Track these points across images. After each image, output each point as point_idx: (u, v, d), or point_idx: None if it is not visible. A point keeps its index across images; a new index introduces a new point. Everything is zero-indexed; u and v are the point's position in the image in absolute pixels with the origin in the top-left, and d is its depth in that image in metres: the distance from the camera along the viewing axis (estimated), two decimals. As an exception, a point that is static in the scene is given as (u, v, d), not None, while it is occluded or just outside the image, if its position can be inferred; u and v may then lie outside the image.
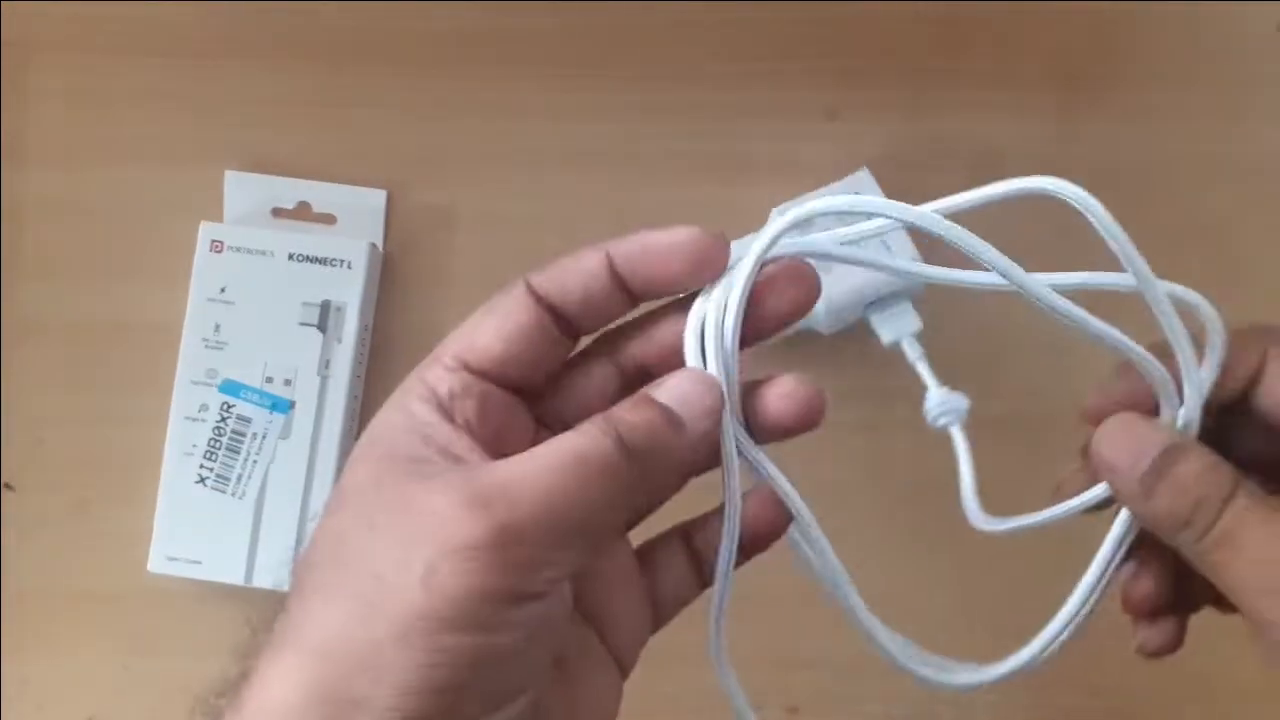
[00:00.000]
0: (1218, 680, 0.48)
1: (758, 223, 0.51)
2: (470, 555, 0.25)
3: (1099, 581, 0.33)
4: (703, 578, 0.33)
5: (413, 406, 0.29)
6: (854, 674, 0.48)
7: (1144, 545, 0.33)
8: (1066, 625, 0.33)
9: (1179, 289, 0.32)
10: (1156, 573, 0.33)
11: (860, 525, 0.47)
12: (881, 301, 0.44)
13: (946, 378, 0.40)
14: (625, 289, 0.30)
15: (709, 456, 0.30)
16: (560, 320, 0.30)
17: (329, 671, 0.25)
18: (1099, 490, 0.33)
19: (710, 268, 0.30)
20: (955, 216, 0.31)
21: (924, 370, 0.41)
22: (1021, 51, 0.53)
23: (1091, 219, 0.31)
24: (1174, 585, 0.33)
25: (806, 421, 0.30)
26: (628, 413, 0.28)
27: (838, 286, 0.42)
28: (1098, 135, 0.52)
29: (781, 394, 0.30)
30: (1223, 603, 0.31)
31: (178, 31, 0.51)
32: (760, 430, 0.31)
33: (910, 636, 0.33)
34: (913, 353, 0.43)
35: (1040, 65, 0.53)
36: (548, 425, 0.31)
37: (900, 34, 0.53)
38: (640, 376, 0.31)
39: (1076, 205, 0.32)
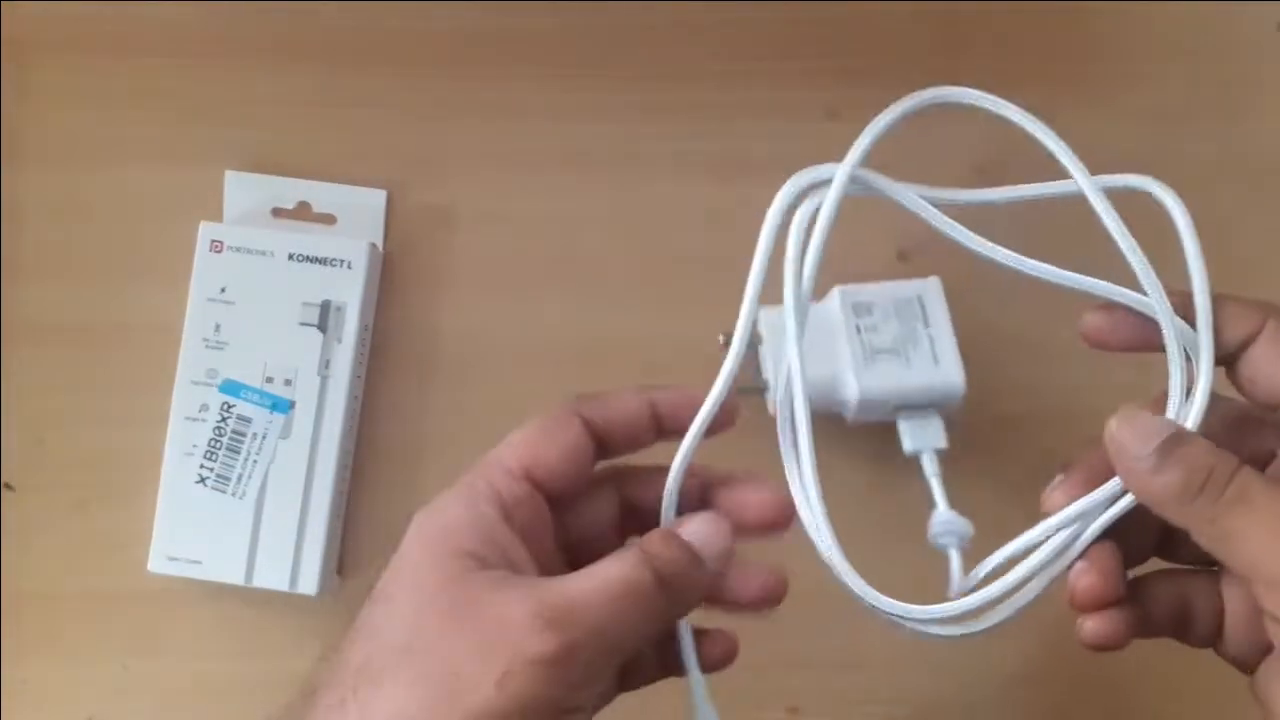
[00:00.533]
0: (1218, 680, 0.48)
1: (758, 222, 0.51)
2: (541, 667, 0.28)
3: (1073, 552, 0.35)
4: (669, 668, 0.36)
5: (481, 508, 0.32)
6: (854, 674, 0.48)
7: (1095, 544, 0.35)
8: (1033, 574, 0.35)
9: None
10: (1103, 569, 0.35)
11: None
12: (913, 409, 0.43)
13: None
14: (659, 428, 0.35)
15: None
16: (598, 445, 0.35)
17: None
18: (1085, 502, 0.35)
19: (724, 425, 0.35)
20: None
21: (936, 488, 0.41)
22: (1021, 51, 0.53)
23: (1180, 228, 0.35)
24: (1119, 583, 0.35)
25: (778, 527, 0.35)
26: (661, 548, 0.32)
27: (876, 381, 0.42)
28: (1097, 135, 0.52)
29: (759, 499, 0.35)
30: (1182, 625, 0.35)
31: (178, 32, 0.52)
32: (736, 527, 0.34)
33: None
34: (930, 468, 0.42)
35: (1039, 65, 0.53)
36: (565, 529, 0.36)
37: (900, 34, 0.53)
38: (633, 510, 0.36)
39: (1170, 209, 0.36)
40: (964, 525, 0.39)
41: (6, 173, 0.51)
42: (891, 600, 0.35)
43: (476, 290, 0.51)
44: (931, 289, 0.44)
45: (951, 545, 0.38)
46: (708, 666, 0.35)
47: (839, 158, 0.52)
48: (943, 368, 0.41)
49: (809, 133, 0.52)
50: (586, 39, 0.52)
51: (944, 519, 0.39)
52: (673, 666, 0.36)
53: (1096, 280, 0.36)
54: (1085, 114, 0.52)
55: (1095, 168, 0.51)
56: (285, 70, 0.52)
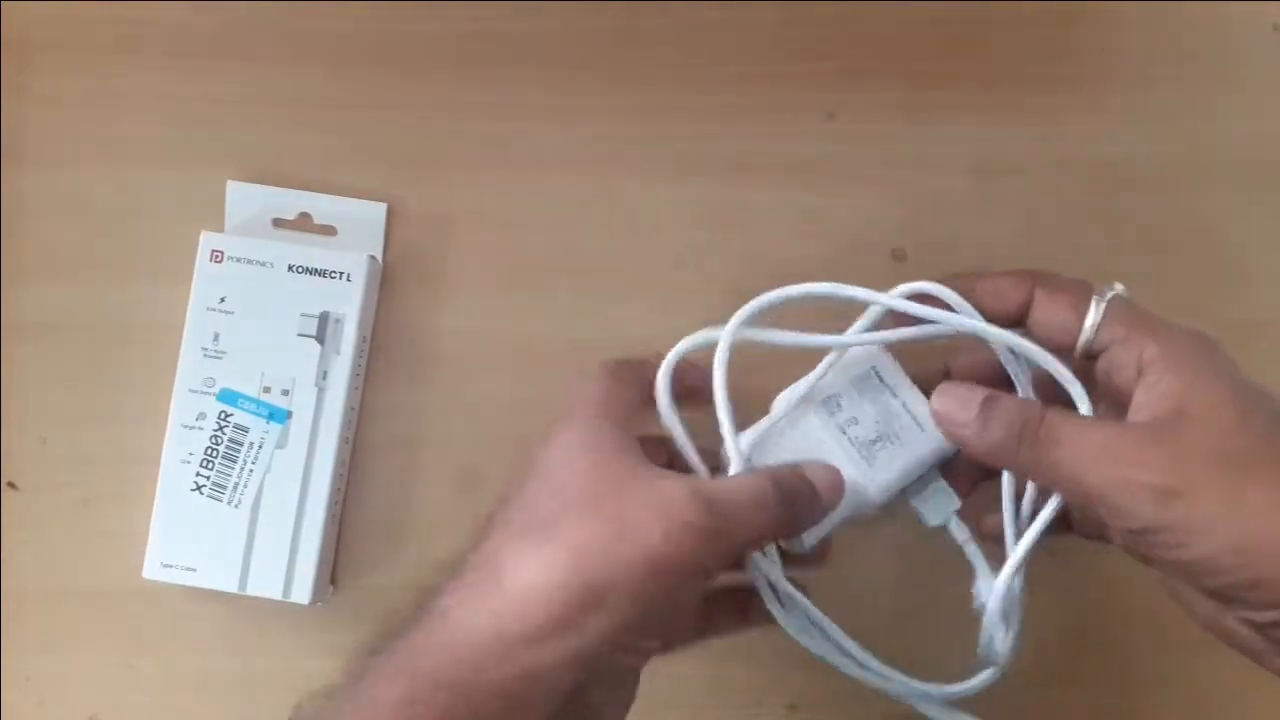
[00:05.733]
0: (1218, 679, 0.49)
1: (757, 223, 0.52)
2: (695, 535, 0.34)
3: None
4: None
5: (611, 429, 0.38)
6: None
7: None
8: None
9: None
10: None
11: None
12: (917, 484, 0.43)
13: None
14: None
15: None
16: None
17: (585, 571, 0.34)
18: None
19: None
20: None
21: (973, 554, 0.42)
22: (1020, 52, 0.53)
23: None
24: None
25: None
26: (789, 474, 0.39)
27: (886, 477, 0.41)
28: (1096, 136, 0.52)
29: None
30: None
31: (178, 32, 0.51)
32: None
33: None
34: (960, 535, 0.42)
35: (1038, 66, 0.53)
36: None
37: (898, 35, 0.52)
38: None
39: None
40: (1015, 593, 0.40)
41: (6, 173, 0.51)
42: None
43: (475, 294, 0.51)
44: (881, 358, 0.42)
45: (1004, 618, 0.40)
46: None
47: (839, 157, 0.52)
48: (929, 431, 0.41)
49: (807, 134, 0.52)
50: (586, 40, 0.52)
51: (999, 591, 0.40)
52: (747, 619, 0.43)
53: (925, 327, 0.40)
54: (1084, 114, 0.52)
55: (1095, 167, 0.52)
56: (285, 70, 0.51)
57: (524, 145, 0.52)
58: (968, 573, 0.42)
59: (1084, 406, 0.39)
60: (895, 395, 0.41)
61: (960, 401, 0.39)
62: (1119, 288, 0.40)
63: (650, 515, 0.34)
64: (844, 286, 0.41)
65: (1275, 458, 0.35)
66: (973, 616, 0.41)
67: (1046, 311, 0.40)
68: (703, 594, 0.42)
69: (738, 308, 0.41)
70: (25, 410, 0.50)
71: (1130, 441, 0.36)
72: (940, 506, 0.42)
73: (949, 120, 0.52)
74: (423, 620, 0.35)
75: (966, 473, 0.43)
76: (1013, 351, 0.40)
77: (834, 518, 0.40)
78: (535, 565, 0.34)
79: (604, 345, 0.50)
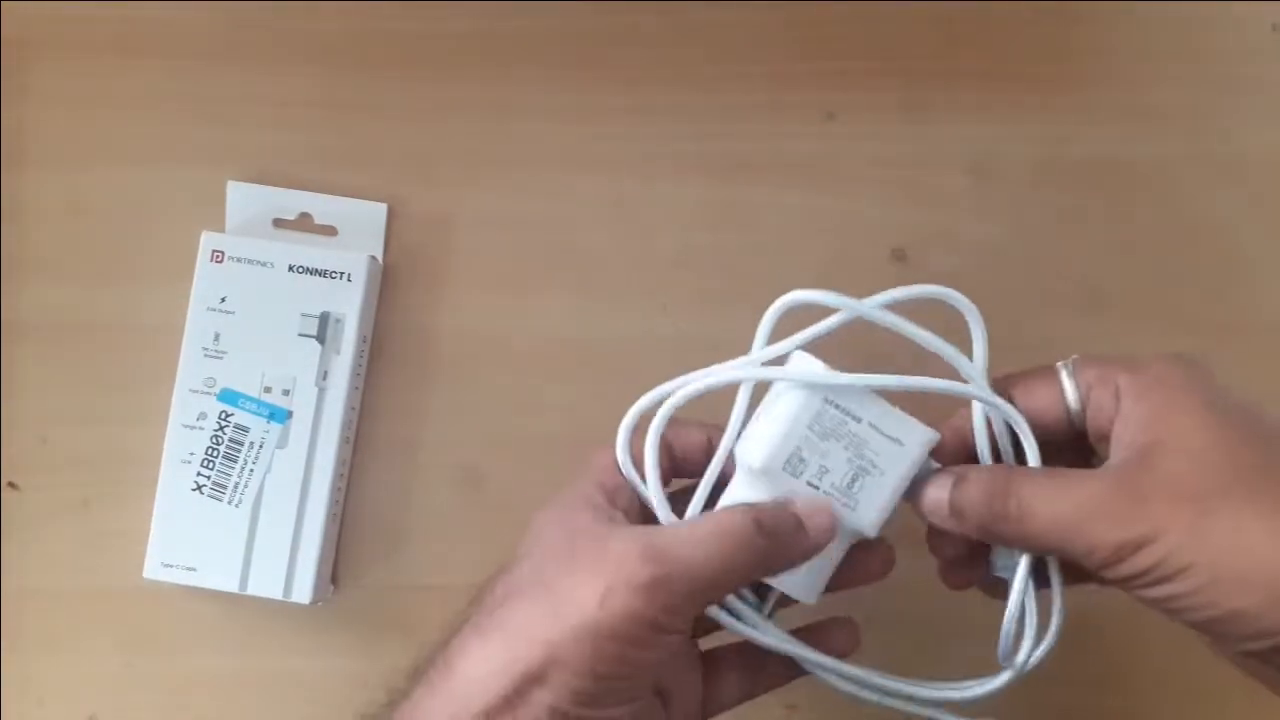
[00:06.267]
0: (1219, 679, 0.49)
1: (757, 223, 0.52)
2: (637, 590, 0.34)
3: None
4: (750, 689, 0.42)
5: (589, 490, 0.39)
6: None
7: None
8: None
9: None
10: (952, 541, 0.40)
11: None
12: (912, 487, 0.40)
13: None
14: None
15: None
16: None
17: (524, 652, 0.34)
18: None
19: None
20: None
21: None
22: (1019, 52, 0.53)
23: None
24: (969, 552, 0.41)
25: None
26: (770, 508, 0.37)
27: (874, 513, 0.38)
28: (1096, 136, 0.52)
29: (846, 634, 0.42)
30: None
31: (178, 32, 0.51)
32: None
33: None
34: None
35: (1037, 66, 0.53)
36: None
37: (897, 35, 0.52)
38: None
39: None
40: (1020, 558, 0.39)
41: (6, 173, 0.51)
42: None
43: (476, 293, 0.51)
44: (829, 381, 0.37)
45: (1010, 574, 0.39)
46: (869, 576, 0.41)
47: (839, 157, 0.52)
48: (906, 439, 0.38)
49: (806, 134, 0.52)
50: (586, 40, 0.52)
51: (1005, 554, 0.39)
52: (755, 687, 0.42)
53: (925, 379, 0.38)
54: (1084, 114, 0.52)
55: (1094, 167, 0.52)
56: (285, 71, 0.51)
57: (524, 145, 0.52)
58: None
59: (1031, 455, 0.38)
60: (858, 419, 0.38)
61: (933, 494, 0.38)
62: (1075, 357, 0.39)
63: (590, 579, 0.34)
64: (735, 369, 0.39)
65: (1248, 481, 0.34)
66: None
67: (1025, 398, 0.39)
68: (690, 653, 0.41)
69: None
70: (25, 410, 0.50)
71: (1095, 498, 0.35)
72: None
73: (948, 120, 0.52)
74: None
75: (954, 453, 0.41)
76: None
77: (833, 559, 0.39)
78: (478, 657, 0.35)
79: (604, 345, 0.51)
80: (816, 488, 0.38)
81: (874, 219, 0.52)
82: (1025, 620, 0.39)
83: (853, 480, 0.38)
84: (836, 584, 0.40)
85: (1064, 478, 0.37)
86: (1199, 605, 0.34)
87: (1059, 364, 0.39)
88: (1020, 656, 0.39)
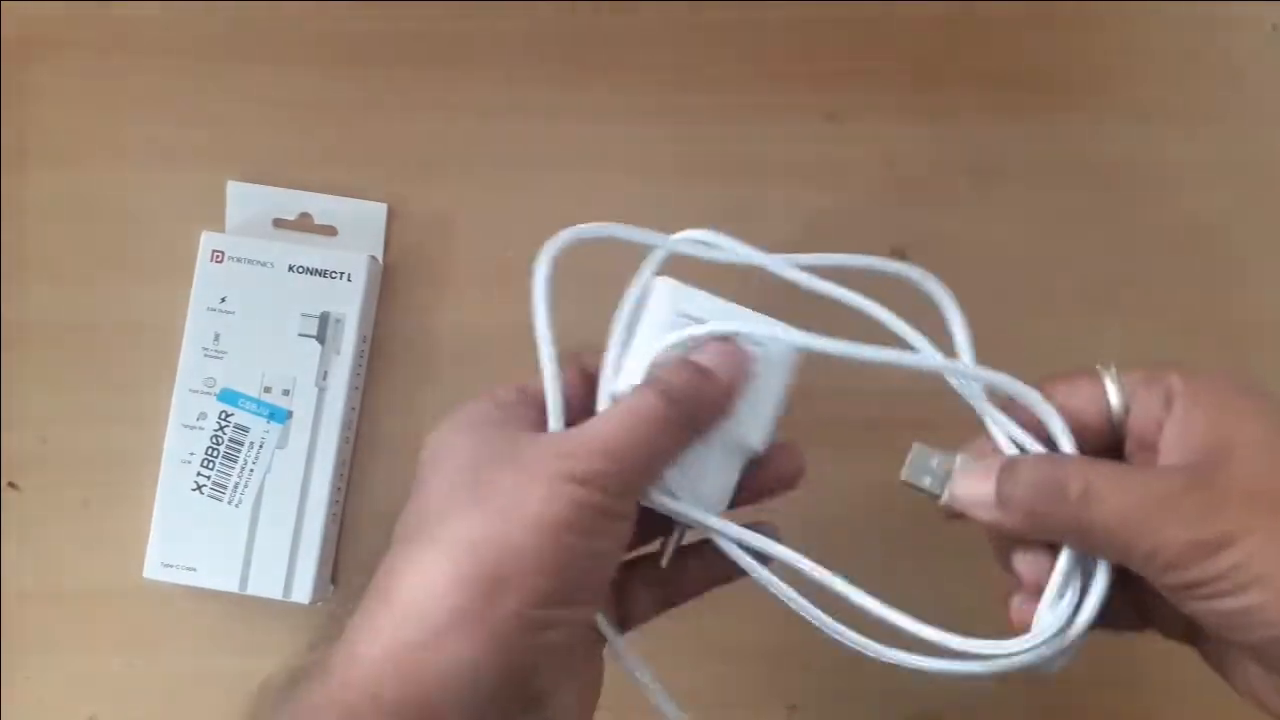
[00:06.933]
0: (1219, 679, 0.49)
1: (756, 223, 0.52)
2: (580, 482, 0.33)
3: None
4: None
5: (486, 407, 0.38)
6: (854, 673, 0.48)
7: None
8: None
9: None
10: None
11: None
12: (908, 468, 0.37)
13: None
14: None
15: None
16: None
17: (476, 559, 0.32)
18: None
19: None
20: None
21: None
22: (1020, 53, 0.53)
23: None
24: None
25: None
26: (671, 374, 0.36)
27: (753, 435, 0.37)
28: (1096, 136, 0.52)
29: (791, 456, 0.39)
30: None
31: (178, 32, 0.51)
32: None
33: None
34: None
35: (1038, 67, 0.53)
36: None
37: (899, 36, 0.53)
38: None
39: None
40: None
41: (6, 173, 0.51)
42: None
43: (475, 294, 0.51)
44: (811, 343, 0.36)
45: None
46: (781, 483, 0.39)
47: (839, 157, 0.52)
48: (772, 346, 0.37)
49: (808, 135, 0.52)
50: (585, 41, 0.52)
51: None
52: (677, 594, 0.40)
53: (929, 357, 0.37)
54: (1084, 114, 0.52)
55: (1094, 167, 0.52)
56: (285, 70, 0.51)
57: (524, 145, 0.52)
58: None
59: (1066, 443, 0.36)
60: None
61: (978, 479, 0.35)
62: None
63: (529, 480, 0.33)
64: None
65: None
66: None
67: (1067, 396, 0.36)
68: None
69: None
70: (25, 410, 0.50)
71: (1168, 492, 0.33)
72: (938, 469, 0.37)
73: (948, 120, 0.52)
74: (323, 668, 0.33)
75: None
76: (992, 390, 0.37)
77: (729, 473, 0.38)
78: (425, 568, 0.33)
79: (602, 344, 0.51)
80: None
81: (874, 219, 0.52)
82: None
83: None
84: (745, 497, 0.39)
85: (1130, 468, 0.34)
86: (1268, 622, 0.31)
87: (1099, 367, 0.37)
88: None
